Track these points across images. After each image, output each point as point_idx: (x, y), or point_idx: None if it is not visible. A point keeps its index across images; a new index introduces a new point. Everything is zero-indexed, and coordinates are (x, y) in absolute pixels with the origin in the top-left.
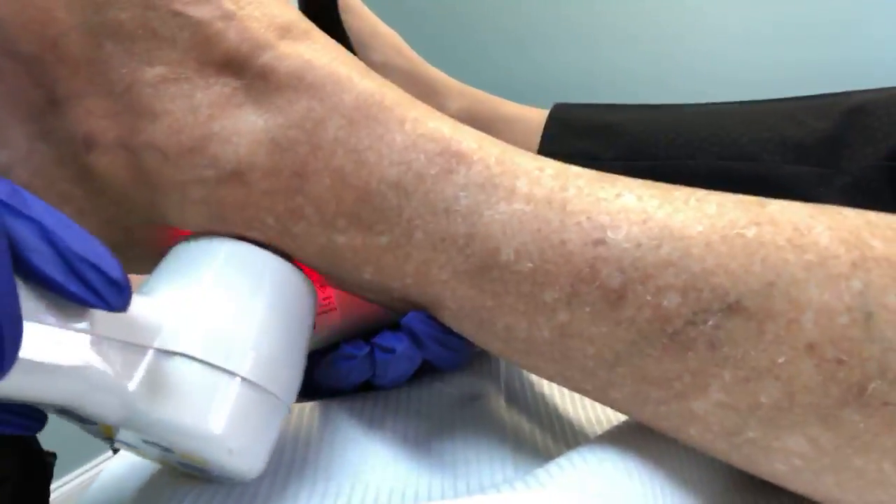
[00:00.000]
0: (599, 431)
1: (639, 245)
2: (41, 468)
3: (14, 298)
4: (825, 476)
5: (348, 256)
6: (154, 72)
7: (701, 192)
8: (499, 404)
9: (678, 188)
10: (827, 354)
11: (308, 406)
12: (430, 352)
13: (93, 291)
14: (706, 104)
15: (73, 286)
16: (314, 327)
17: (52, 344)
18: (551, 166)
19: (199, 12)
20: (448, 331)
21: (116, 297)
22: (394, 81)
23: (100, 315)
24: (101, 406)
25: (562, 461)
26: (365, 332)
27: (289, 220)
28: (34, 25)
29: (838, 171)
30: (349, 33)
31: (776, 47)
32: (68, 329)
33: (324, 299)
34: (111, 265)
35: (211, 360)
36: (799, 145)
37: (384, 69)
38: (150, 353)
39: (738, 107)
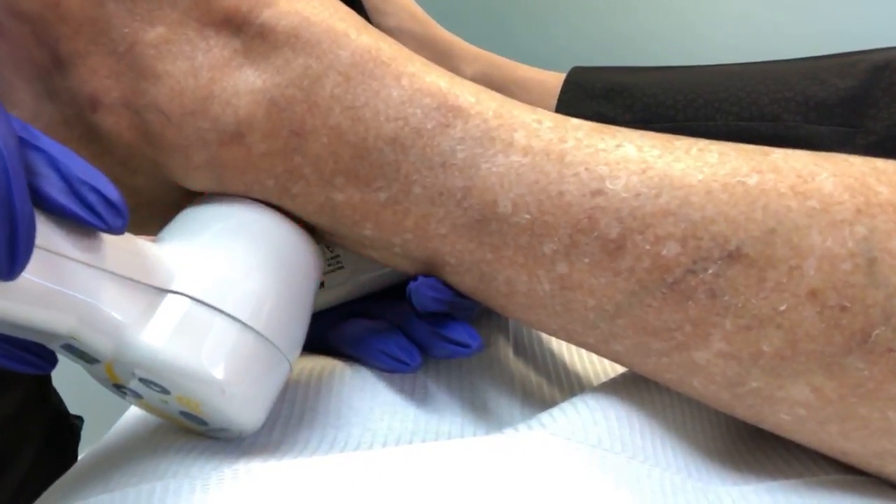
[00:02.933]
0: None
1: (638, 195)
2: (68, 431)
3: (28, 202)
4: (829, 426)
5: (347, 214)
6: (155, 32)
7: (703, 142)
8: (507, 355)
9: (679, 138)
10: (829, 301)
11: (315, 361)
12: (437, 316)
13: (92, 211)
14: (725, 65)
15: (75, 206)
16: (322, 286)
17: (58, 269)
18: (550, 118)
19: None
20: (456, 293)
21: (114, 217)
22: (408, 46)
23: (109, 252)
24: (99, 336)
25: (565, 406)
26: (373, 294)
27: (287, 180)
28: None
29: (862, 130)
30: None
31: (796, 12)
32: (76, 260)
33: (332, 258)
34: (110, 189)
35: (210, 302)
36: (821, 104)
37: (398, 33)
38: (153, 291)
39: (757, 67)
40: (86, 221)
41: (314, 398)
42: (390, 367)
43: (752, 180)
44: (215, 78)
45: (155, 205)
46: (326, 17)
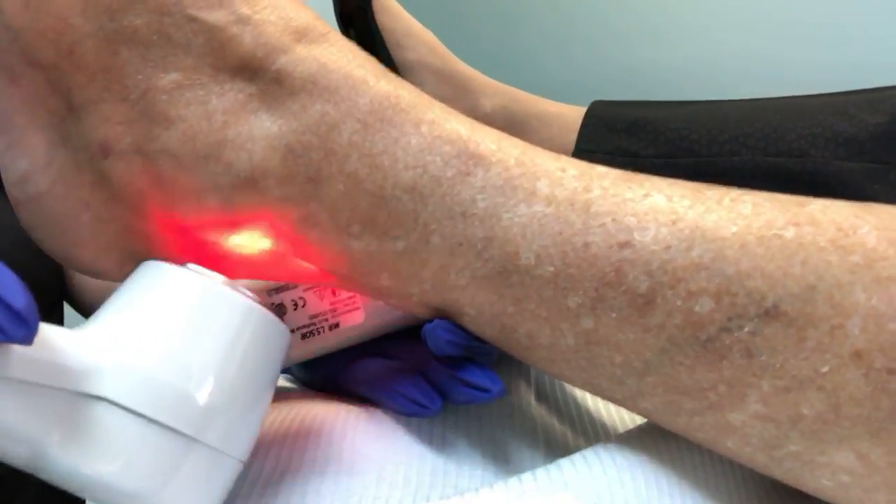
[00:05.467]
0: None
1: (668, 247)
2: None
3: None
4: (877, 494)
5: (364, 262)
6: (169, 78)
7: (735, 192)
8: (529, 402)
9: (711, 187)
10: (876, 363)
11: (329, 404)
12: (456, 360)
13: None
14: (750, 99)
15: None
16: (337, 326)
17: None
18: (574, 166)
19: (214, 17)
20: (473, 336)
21: (17, 328)
22: (428, 80)
23: (17, 357)
24: (16, 449)
25: (591, 459)
26: (389, 334)
27: (303, 227)
28: (51, 33)
29: (894, 167)
30: (383, 33)
31: (822, 46)
32: None
33: (348, 298)
34: (15, 295)
35: (133, 407)
36: (851, 140)
37: (418, 68)
38: (70, 396)
39: (784, 101)
40: None
41: (327, 445)
42: (409, 411)
43: (790, 233)
44: (229, 122)
45: (167, 252)
46: (344, 63)
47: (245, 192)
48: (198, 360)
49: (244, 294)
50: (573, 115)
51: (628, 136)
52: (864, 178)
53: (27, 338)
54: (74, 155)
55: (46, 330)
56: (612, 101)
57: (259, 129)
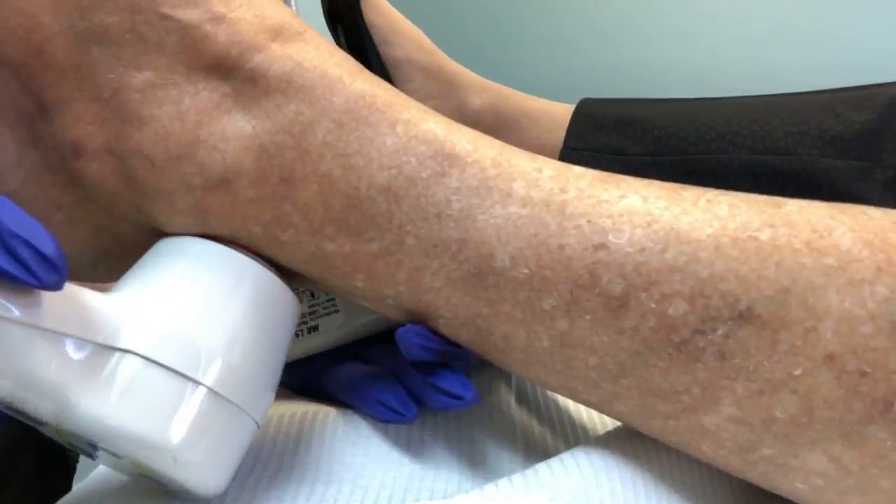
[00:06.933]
0: None
1: (642, 249)
2: (62, 463)
3: None
4: (850, 498)
5: (338, 264)
6: (141, 77)
7: (712, 192)
8: (508, 404)
9: (687, 188)
10: (848, 366)
11: (308, 408)
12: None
13: (24, 267)
14: (738, 97)
15: (4, 262)
16: (317, 329)
17: None
18: (551, 167)
19: (188, 15)
20: (447, 341)
21: (48, 273)
22: (415, 77)
23: (46, 308)
24: (38, 400)
25: (567, 461)
26: (369, 337)
27: (276, 228)
28: (20, 31)
29: (880, 165)
30: (371, 29)
31: (810, 42)
32: (6, 318)
33: (327, 300)
34: (45, 242)
35: (160, 360)
36: (838, 138)
37: (406, 65)
38: (98, 349)
39: (771, 99)
40: (16, 279)
41: (305, 452)
42: (384, 417)
43: (765, 235)
44: (202, 122)
45: (141, 252)
46: (320, 62)
47: (217, 194)
48: (217, 319)
49: (261, 264)
50: (561, 112)
51: (616, 133)
52: (850, 176)
53: (58, 283)
54: (45, 155)
55: (72, 286)
56: (600, 99)
57: (232, 129)
